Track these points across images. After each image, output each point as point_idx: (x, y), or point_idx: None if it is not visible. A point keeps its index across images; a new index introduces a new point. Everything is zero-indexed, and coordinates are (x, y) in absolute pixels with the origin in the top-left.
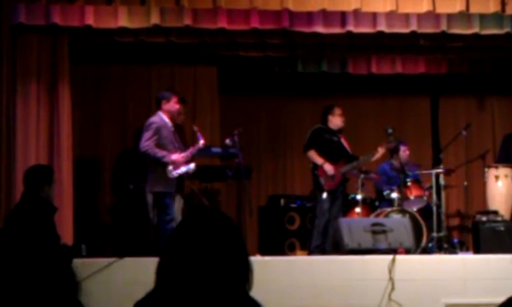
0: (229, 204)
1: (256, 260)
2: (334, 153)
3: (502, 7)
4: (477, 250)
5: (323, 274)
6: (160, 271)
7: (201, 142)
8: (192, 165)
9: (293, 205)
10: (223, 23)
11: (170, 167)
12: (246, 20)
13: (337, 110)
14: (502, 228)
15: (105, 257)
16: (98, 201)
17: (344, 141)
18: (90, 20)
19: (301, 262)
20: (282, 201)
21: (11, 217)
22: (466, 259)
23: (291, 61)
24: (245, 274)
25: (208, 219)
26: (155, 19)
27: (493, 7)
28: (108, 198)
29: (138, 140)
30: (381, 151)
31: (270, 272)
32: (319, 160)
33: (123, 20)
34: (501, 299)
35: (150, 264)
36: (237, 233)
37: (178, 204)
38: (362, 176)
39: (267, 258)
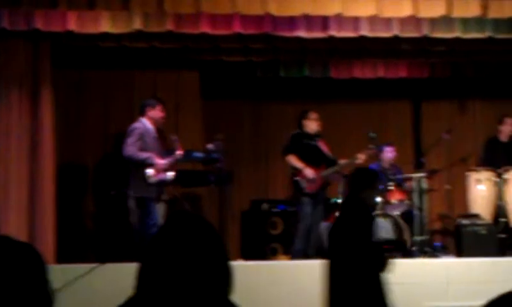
0: (211, 209)
1: (239, 265)
2: (314, 158)
3: (484, 12)
4: (459, 253)
5: (305, 278)
6: (140, 276)
7: (178, 152)
8: (170, 174)
9: (275, 210)
10: (205, 28)
11: (150, 172)
12: (228, 24)
13: (312, 115)
14: (484, 232)
15: (87, 263)
16: (81, 207)
17: (322, 145)
18: (72, 26)
19: (283, 267)
20: (264, 206)
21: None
22: (448, 263)
23: (273, 66)
24: (225, 278)
25: (189, 224)
26: (137, 24)
27: (474, 11)
28: (90, 204)
29: (119, 145)
30: (361, 157)
31: (252, 277)
32: (299, 164)
33: (106, 25)
34: (483, 302)
35: (132, 270)
36: (218, 237)
37: (160, 210)
38: (343, 179)
39: (249, 263)
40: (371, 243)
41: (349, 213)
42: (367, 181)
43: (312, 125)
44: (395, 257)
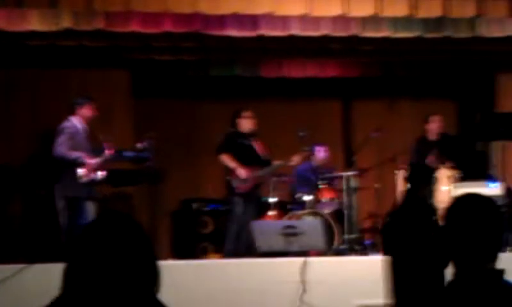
0: (141, 208)
1: (169, 264)
2: (247, 157)
3: (413, 11)
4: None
5: (236, 277)
6: (66, 275)
7: (109, 151)
8: (101, 174)
9: (206, 209)
10: (135, 27)
11: (80, 171)
12: (159, 23)
13: (246, 113)
14: None
15: (15, 263)
16: (9, 207)
17: (257, 145)
18: (1, 24)
19: (213, 265)
20: (195, 205)
21: (394, 214)
22: (378, 261)
23: (204, 65)
24: (152, 278)
25: (114, 223)
26: (66, 22)
27: (404, 11)
28: (19, 204)
29: (49, 145)
30: (295, 159)
31: (183, 276)
32: (231, 164)
33: (34, 23)
34: None
35: (60, 270)
36: (145, 237)
37: (90, 210)
38: (275, 179)
39: (179, 262)
40: (436, 239)
41: (412, 211)
42: (424, 178)
43: (246, 124)
44: None
